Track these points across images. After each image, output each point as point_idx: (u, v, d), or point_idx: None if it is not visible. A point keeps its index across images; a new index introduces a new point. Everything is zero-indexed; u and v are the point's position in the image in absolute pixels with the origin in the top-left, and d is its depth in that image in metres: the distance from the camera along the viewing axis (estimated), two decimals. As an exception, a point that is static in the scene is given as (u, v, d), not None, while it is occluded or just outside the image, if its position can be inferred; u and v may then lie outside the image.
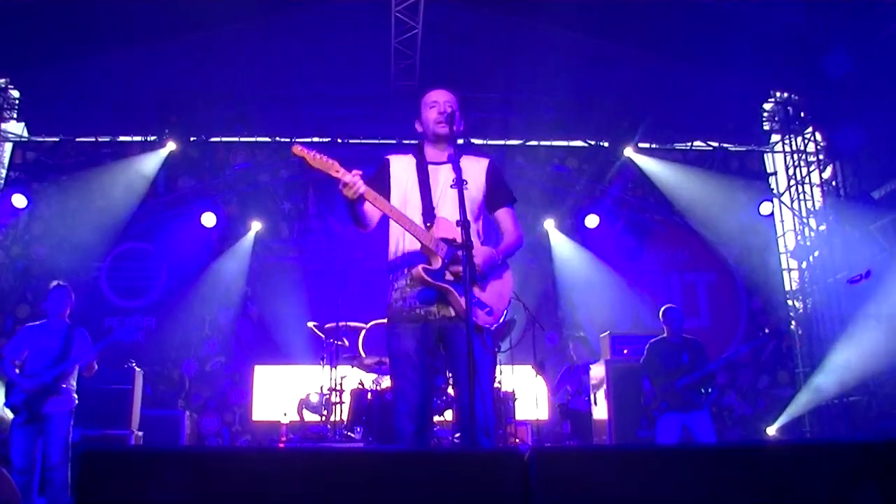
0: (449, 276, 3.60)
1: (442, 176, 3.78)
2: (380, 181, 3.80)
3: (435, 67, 9.22)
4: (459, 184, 3.54)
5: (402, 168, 3.87)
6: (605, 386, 7.86)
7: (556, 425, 9.36)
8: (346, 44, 9.38)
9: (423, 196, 3.75)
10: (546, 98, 10.25)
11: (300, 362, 9.65)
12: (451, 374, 3.80)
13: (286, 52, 9.41)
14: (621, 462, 2.38)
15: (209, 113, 10.18)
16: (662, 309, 7.20)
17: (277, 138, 10.67)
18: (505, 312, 3.79)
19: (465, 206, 3.45)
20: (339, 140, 10.41)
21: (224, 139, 10.73)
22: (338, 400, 7.77)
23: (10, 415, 6.19)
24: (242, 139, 10.64)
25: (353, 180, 3.44)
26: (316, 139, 10.31)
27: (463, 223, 3.38)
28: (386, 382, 7.40)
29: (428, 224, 3.66)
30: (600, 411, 8.00)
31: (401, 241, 3.78)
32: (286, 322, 9.94)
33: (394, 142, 10.23)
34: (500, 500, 2.22)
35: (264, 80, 9.86)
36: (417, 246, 3.67)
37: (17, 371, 6.21)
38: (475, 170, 3.87)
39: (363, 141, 10.02)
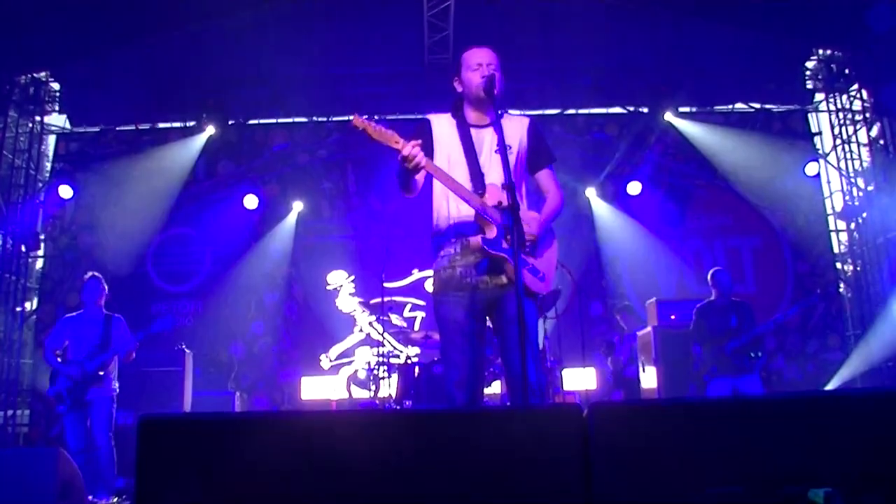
0: (505, 245, 3.55)
1: (486, 140, 3.72)
2: (422, 143, 3.75)
3: (469, 39, 9.09)
4: (503, 148, 3.47)
5: (444, 130, 3.79)
6: (653, 353, 7.80)
7: (605, 395, 9.32)
8: (378, 20, 9.33)
9: (470, 162, 3.68)
10: (583, 65, 10.12)
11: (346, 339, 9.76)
12: (499, 342, 3.75)
13: (320, 31, 9.40)
14: (677, 415, 2.36)
15: (246, 96, 10.23)
16: (710, 272, 7.12)
17: (314, 118, 10.70)
18: (554, 278, 3.76)
19: (510, 170, 3.41)
20: (377, 117, 10.27)
21: (262, 121, 10.77)
22: (385, 375, 7.81)
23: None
24: (280, 120, 10.67)
25: (413, 152, 3.40)
26: (351, 117, 10.24)
27: (510, 187, 3.33)
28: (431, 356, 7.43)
29: (479, 192, 3.61)
30: (649, 379, 7.95)
31: (447, 209, 3.73)
32: (331, 301, 10.04)
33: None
34: (560, 455, 2.22)
35: (299, 60, 9.84)
36: (468, 214, 3.61)
37: (60, 360, 6.45)
38: (517, 131, 3.79)
39: (399, 117, 9.97)
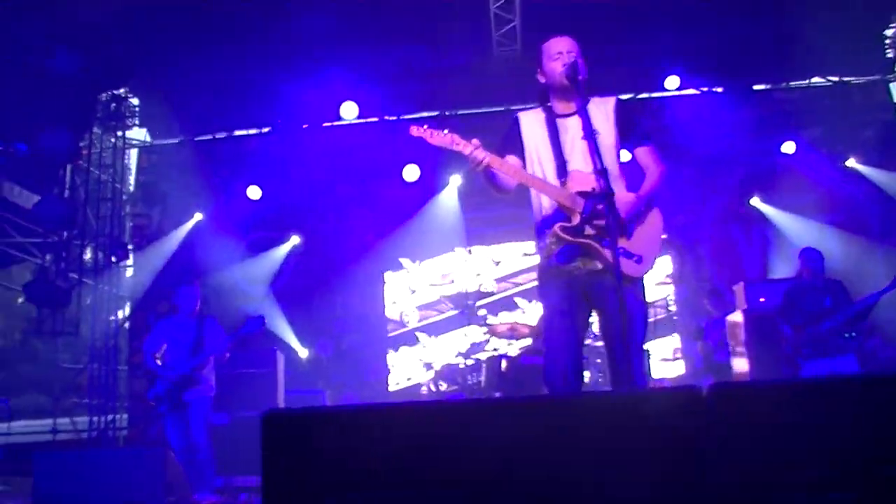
0: (589, 231, 3.55)
1: (571, 128, 3.71)
2: (512, 141, 3.79)
3: (537, 29, 9.08)
4: (590, 133, 3.46)
5: (531, 124, 3.83)
6: (743, 337, 7.66)
7: (694, 381, 9.18)
8: (444, 14, 9.36)
9: (555, 151, 3.70)
10: (655, 49, 9.97)
11: (433, 333, 9.83)
12: (601, 329, 3.75)
13: (387, 29, 9.46)
14: (801, 395, 2.32)
15: (316, 98, 10.35)
16: (801, 250, 6.94)
17: (385, 117, 10.79)
18: (655, 259, 3.73)
19: (599, 154, 3.40)
20: (447, 113, 10.44)
21: (333, 123, 10.89)
22: (473, 368, 7.86)
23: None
24: (349, 122, 10.80)
25: (474, 155, 3.44)
26: (425, 114, 10.37)
27: (601, 171, 3.32)
28: (517, 348, 7.44)
29: (562, 180, 3.62)
30: (740, 363, 7.82)
31: (539, 200, 3.77)
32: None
33: (501, 108, 10.16)
34: (680, 437, 2.20)
35: (367, 59, 9.94)
36: (555, 203, 3.64)
37: (158, 363, 6.64)
38: (603, 113, 3.77)
39: (471, 111, 9.99)
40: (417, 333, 10.22)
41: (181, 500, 6.22)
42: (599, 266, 3.60)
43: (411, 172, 10.08)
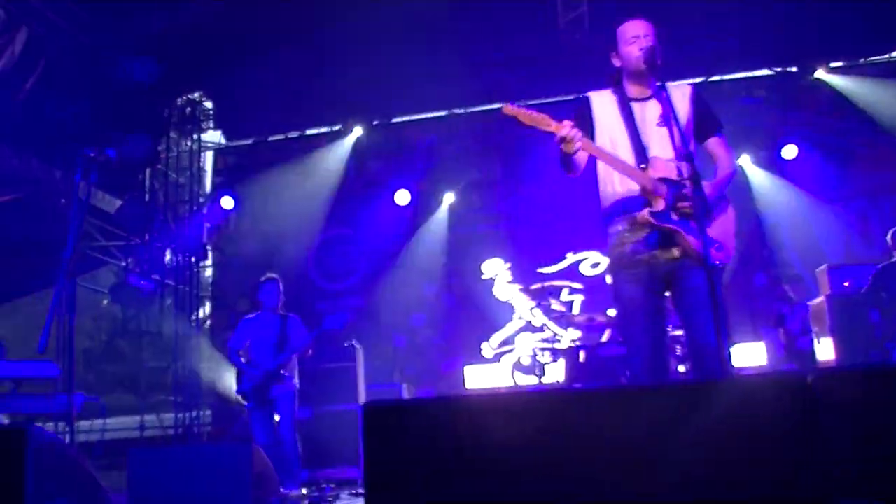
0: (675, 216, 3.50)
1: (648, 113, 3.66)
2: (583, 122, 3.68)
3: (604, 14, 8.98)
4: (670, 119, 3.41)
5: (604, 106, 3.75)
6: (828, 322, 7.46)
7: (776, 369, 8.98)
8: (510, 3, 9.32)
9: (632, 136, 3.63)
10: (725, 29, 9.75)
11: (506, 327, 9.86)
12: (681, 316, 3.68)
13: (452, 21, 9.46)
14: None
15: (387, 94, 10.43)
16: (890, 232, 6.74)
17: (454, 110, 10.81)
18: (734, 247, 3.67)
19: (684, 139, 3.35)
20: (517, 102, 10.34)
21: (405, 118, 11.00)
22: (550, 360, 7.83)
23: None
24: (421, 116, 10.86)
25: (571, 133, 3.40)
26: (495, 105, 10.34)
27: (685, 156, 3.28)
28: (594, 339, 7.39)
29: (642, 166, 3.57)
30: (825, 351, 7.59)
31: (612, 186, 3.70)
32: (488, 290, 10.18)
33: (570, 97, 10.07)
34: (785, 425, 2.17)
35: (433, 54, 9.95)
36: (634, 189, 3.57)
37: (244, 361, 6.78)
38: (679, 100, 3.68)
39: (540, 101, 9.91)
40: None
41: (270, 494, 6.35)
42: (678, 253, 3.54)
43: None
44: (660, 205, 3.51)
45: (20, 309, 11.26)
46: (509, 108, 3.51)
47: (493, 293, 10.14)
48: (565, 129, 3.40)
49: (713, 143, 3.79)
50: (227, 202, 10.61)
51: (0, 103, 7.87)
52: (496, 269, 10.11)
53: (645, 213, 3.51)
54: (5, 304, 11.04)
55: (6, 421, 5.48)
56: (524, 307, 9.72)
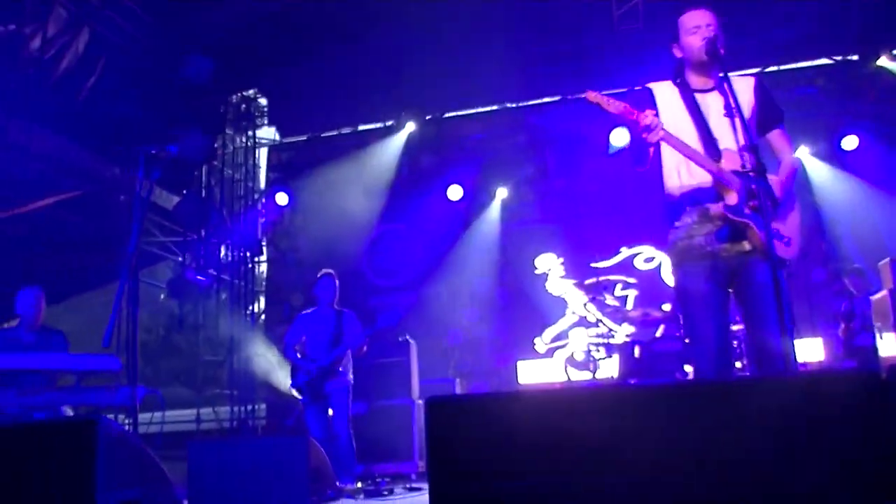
0: (747, 210, 3.43)
1: (713, 104, 3.59)
2: None
3: (658, 6, 8.86)
4: (735, 110, 3.34)
5: (667, 98, 3.70)
6: (891, 318, 7.28)
7: (835, 365, 8.79)
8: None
9: (700, 128, 3.57)
10: (783, 18, 9.56)
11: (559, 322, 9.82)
12: (744, 312, 3.63)
13: (504, 14, 9.42)
14: None
15: (439, 89, 10.43)
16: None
17: (507, 104, 10.78)
18: (799, 242, 3.60)
19: (750, 131, 3.28)
20: (570, 97, 10.33)
21: (457, 113, 11.00)
22: (604, 355, 7.78)
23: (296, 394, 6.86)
24: (474, 110, 10.85)
25: (654, 122, 3.37)
26: (547, 99, 10.33)
27: (753, 148, 3.22)
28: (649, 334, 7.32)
29: (715, 158, 3.51)
30: (888, 346, 7.42)
31: (680, 177, 3.64)
32: (540, 284, 10.15)
33: (624, 90, 9.96)
34: (858, 420, 2.13)
35: (485, 48, 9.92)
36: (704, 181, 3.52)
37: (299, 356, 6.84)
38: (743, 91, 3.61)
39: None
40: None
41: (326, 487, 6.41)
42: (748, 247, 3.49)
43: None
44: (733, 198, 3.45)
45: (81, 304, 11.55)
46: (593, 95, 3.48)
47: (546, 288, 10.10)
48: (648, 117, 3.37)
49: (775, 136, 3.73)
50: (282, 198, 10.75)
51: (63, 101, 8.08)
52: (549, 264, 10.06)
53: (720, 206, 3.46)
54: (67, 300, 11.32)
55: (70, 413, 5.60)
56: (577, 302, 9.66)
